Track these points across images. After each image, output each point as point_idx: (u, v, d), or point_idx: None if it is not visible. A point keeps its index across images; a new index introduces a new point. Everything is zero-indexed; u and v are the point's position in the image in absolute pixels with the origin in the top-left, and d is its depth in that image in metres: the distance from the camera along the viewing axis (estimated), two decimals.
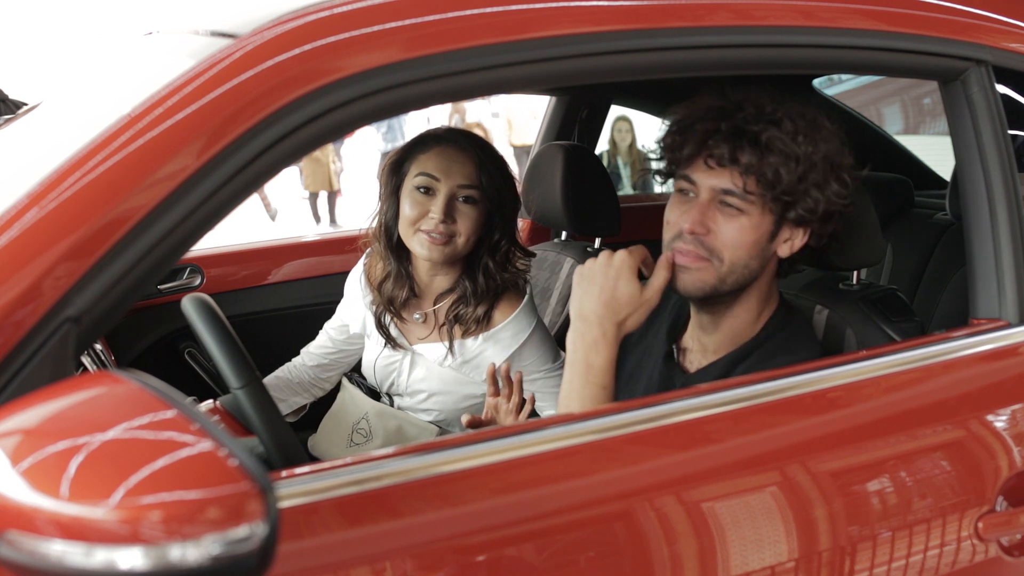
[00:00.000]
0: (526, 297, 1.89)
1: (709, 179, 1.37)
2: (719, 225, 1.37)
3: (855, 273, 1.59)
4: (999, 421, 1.33)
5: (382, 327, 1.93)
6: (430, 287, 1.90)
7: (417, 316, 1.92)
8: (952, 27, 1.40)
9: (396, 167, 1.86)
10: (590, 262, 1.43)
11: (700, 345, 1.50)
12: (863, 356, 1.32)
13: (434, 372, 1.91)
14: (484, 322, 1.85)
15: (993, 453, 1.31)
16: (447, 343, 1.87)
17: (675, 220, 1.41)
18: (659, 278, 1.38)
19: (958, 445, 1.29)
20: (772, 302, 1.47)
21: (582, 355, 1.39)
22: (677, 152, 1.40)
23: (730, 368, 1.44)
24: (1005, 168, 1.40)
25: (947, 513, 1.26)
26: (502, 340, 1.85)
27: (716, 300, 1.42)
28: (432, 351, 1.90)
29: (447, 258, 1.81)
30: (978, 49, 1.41)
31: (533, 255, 2.00)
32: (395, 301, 1.91)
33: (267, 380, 2.09)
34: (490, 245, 1.84)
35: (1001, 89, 1.45)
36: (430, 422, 1.95)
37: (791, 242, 1.40)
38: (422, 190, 1.79)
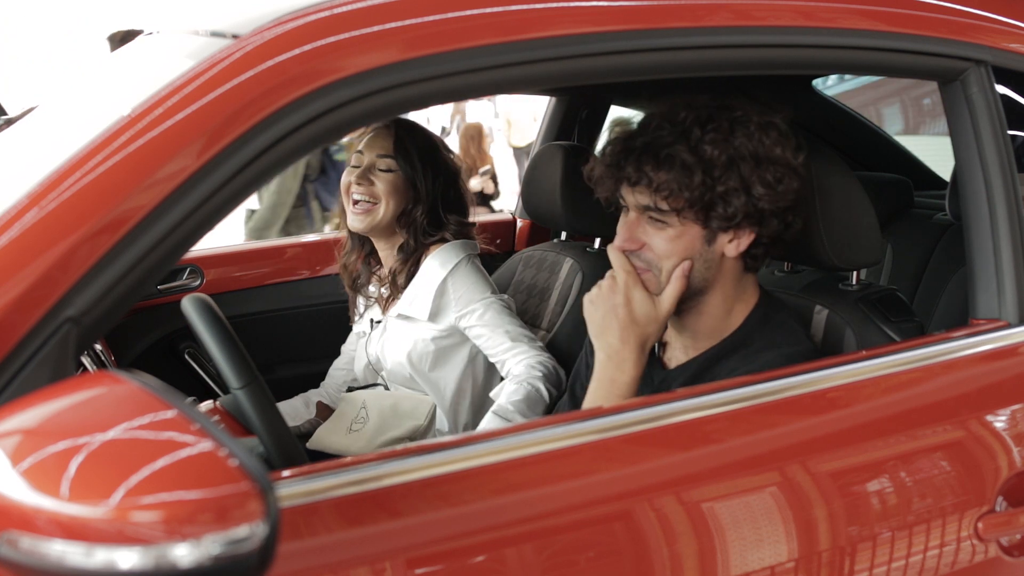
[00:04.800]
0: (459, 241, 2.06)
1: (632, 197, 1.42)
2: (651, 238, 1.41)
3: (855, 273, 1.59)
4: (999, 421, 1.33)
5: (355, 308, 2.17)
6: (387, 264, 2.10)
7: (384, 290, 2.12)
8: (952, 27, 1.40)
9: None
10: (597, 288, 1.45)
11: (678, 342, 1.52)
12: (863, 356, 1.32)
13: (395, 330, 2.06)
14: (413, 271, 2.04)
15: (993, 453, 1.31)
16: (387, 301, 2.10)
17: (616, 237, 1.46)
18: (674, 288, 1.40)
19: (958, 445, 1.29)
20: (748, 299, 1.47)
21: (609, 372, 1.42)
22: (603, 181, 1.44)
23: (708, 365, 1.45)
24: (1005, 168, 1.40)
25: (947, 513, 1.26)
26: (431, 269, 2.02)
27: (679, 306, 1.43)
28: (388, 314, 2.10)
29: (371, 226, 2.02)
30: (978, 49, 1.41)
31: (472, 224, 2.13)
32: (357, 278, 2.14)
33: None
34: (403, 214, 2.02)
35: (1001, 89, 1.45)
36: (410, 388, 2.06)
37: (736, 242, 1.40)
38: (353, 166, 2.05)
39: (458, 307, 2.00)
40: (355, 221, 2.04)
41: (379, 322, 2.12)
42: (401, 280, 2.05)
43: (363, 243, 2.14)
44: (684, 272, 1.39)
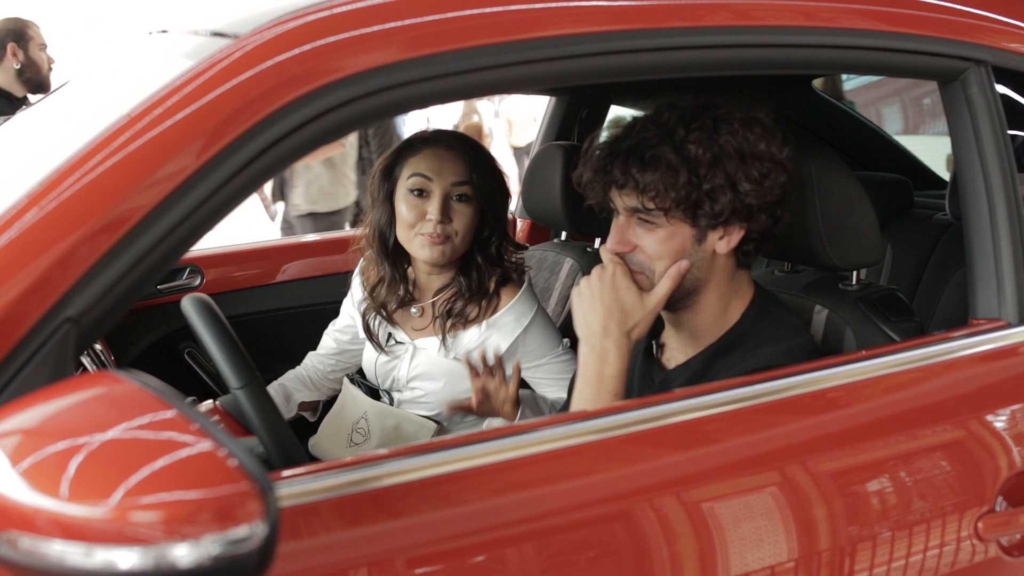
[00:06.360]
0: (525, 284, 1.92)
1: (621, 199, 1.41)
2: (641, 239, 1.41)
3: (855, 273, 1.59)
4: (999, 421, 1.33)
5: (368, 330, 1.97)
6: (428, 285, 1.93)
7: (415, 311, 1.95)
8: (952, 27, 1.40)
9: (387, 172, 1.89)
10: (585, 280, 1.44)
11: (676, 342, 1.52)
12: (863, 356, 1.32)
13: (435, 364, 1.92)
14: (485, 312, 1.87)
15: (993, 453, 1.31)
16: (440, 336, 1.89)
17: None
18: (664, 287, 1.40)
19: (958, 445, 1.29)
20: (743, 295, 1.47)
21: (594, 366, 1.39)
22: (592, 185, 1.44)
23: (708, 364, 1.44)
24: (1005, 168, 1.40)
25: (947, 513, 1.26)
26: (505, 325, 1.87)
27: (673, 305, 1.44)
28: (431, 344, 1.93)
29: (447, 259, 1.84)
30: (978, 49, 1.41)
31: (525, 247, 2.02)
32: (387, 306, 1.94)
33: (279, 379, 2.13)
34: (480, 242, 1.87)
35: (1001, 89, 1.45)
36: (429, 417, 1.95)
37: (727, 239, 1.40)
38: (416, 192, 1.82)
39: (523, 359, 1.88)
40: (432, 254, 1.82)
41: (400, 342, 1.95)
42: (472, 314, 1.86)
43: (399, 269, 1.92)
44: (680, 271, 1.39)
